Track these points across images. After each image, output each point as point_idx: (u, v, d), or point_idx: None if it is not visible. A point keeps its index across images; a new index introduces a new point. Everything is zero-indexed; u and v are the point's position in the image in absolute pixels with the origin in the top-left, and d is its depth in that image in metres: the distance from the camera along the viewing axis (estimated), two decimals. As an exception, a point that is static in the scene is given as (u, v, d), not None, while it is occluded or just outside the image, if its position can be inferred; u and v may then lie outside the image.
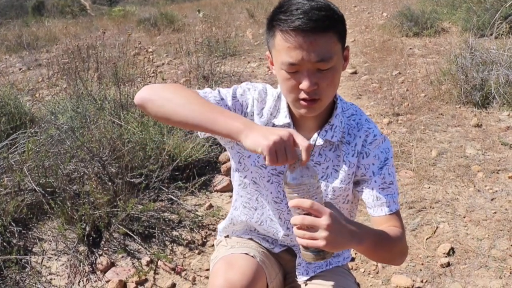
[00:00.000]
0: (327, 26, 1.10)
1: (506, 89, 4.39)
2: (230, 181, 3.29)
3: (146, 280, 2.47)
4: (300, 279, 1.45)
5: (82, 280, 2.47)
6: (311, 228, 1.00)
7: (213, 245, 2.73)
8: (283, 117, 1.30)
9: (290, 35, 1.10)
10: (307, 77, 1.13)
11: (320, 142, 1.28)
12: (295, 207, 1.01)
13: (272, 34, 1.16)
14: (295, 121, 1.31)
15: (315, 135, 1.29)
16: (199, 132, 1.29)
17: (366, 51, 7.46)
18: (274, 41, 1.16)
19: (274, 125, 1.31)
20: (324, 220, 0.99)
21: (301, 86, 1.14)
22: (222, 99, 1.29)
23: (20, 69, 8.48)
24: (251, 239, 1.53)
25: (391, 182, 1.28)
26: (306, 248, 1.04)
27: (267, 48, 1.25)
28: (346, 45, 1.20)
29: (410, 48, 7.23)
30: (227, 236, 1.58)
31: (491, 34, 5.72)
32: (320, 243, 0.99)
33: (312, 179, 1.02)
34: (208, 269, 2.54)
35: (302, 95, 1.16)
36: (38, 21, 18.21)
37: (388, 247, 1.18)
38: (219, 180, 3.35)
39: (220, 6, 18.05)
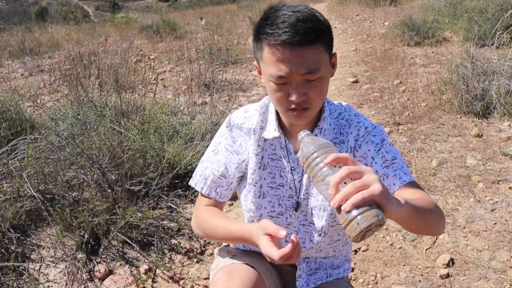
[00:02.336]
0: (314, 38, 1.10)
1: (507, 99, 4.38)
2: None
3: (144, 289, 2.46)
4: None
5: (80, 288, 2.46)
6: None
7: (211, 254, 2.72)
8: (272, 131, 1.31)
9: (277, 49, 1.10)
10: (296, 89, 1.14)
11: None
12: (334, 161, 0.92)
13: (260, 47, 1.16)
14: (285, 131, 1.33)
15: None
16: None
17: (367, 60, 7.48)
18: (261, 54, 1.16)
19: (265, 140, 1.33)
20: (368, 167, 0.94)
21: (290, 98, 1.15)
22: (218, 163, 1.39)
23: (22, 74, 8.51)
24: (251, 249, 1.52)
25: (394, 158, 1.27)
26: (357, 208, 0.86)
27: None
28: (333, 52, 1.21)
29: (412, 58, 7.25)
30: (227, 245, 1.58)
31: (492, 44, 5.72)
32: (375, 186, 0.88)
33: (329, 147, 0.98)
34: (206, 278, 2.53)
35: (292, 105, 1.17)
36: (41, 27, 18.28)
37: (427, 208, 1.10)
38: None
39: (222, 13, 18.14)
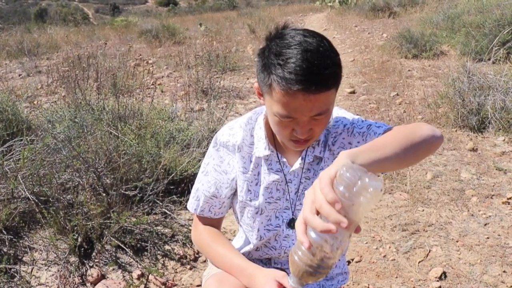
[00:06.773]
0: (329, 85, 1.07)
1: (502, 115, 4.42)
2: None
3: (136, 294, 2.45)
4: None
5: (72, 292, 2.45)
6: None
7: (205, 261, 2.72)
8: (262, 149, 1.30)
9: (288, 93, 1.05)
10: (303, 127, 1.12)
11: (309, 159, 1.31)
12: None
13: (269, 84, 1.09)
14: (279, 147, 1.32)
15: (299, 159, 1.30)
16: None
17: (365, 71, 7.52)
18: (270, 90, 1.10)
19: (256, 157, 1.32)
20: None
21: (295, 133, 1.14)
22: (209, 184, 1.39)
23: (19, 75, 8.50)
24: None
25: (369, 125, 1.27)
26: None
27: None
28: None
29: (409, 70, 7.29)
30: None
31: (489, 59, 5.78)
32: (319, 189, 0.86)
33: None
34: (199, 285, 2.52)
35: (295, 137, 1.16)
36: (40, 28, 18.31)
37: (398, 149, 1.04)
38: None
39: (222, 20, 18.22)
